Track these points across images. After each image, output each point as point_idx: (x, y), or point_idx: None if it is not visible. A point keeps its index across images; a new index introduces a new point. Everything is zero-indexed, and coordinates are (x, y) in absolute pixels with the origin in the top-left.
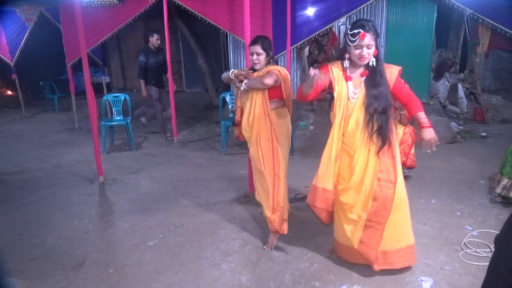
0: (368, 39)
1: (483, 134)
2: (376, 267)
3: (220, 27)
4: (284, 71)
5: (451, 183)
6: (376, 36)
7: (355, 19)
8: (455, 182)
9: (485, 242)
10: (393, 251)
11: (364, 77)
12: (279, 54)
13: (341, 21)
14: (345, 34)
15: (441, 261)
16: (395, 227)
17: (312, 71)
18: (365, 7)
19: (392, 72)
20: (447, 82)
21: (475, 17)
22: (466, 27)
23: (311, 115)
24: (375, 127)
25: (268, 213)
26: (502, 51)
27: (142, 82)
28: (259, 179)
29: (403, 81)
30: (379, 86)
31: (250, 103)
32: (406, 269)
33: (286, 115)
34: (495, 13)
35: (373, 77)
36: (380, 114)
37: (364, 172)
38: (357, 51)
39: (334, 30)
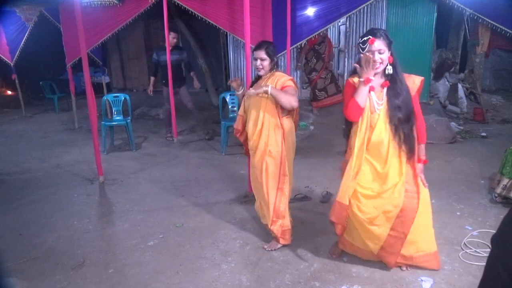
0: (378, 44)
1: (483, 134)
2: (394, 265)
3: (220, 27)
4: (289, 76)
5: (451, 183)
6: (388, 42)
7: (355, 19)
8: (455, 182)
9: (485, 242)
10: (414, 256)
11: (385, 88)
12: (279, 54)
13: (341, 21)
14: (357, 44)
15: (441, 261)
16: (421, 231)
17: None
18: (365, 7)
19: (414, 82)
20: (447, 82)
21: (475, 17)
22: (466, 27)
23: (311, 115)
24: (402, 137)
25: (268, 223)
26: (502, 51)
27: (151, 79)
28: (258, 191)
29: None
30: (400, 94)
31: (257, 111)
32: (409, 269)
33: (291, 125)
34: (495, 13)
35: (394, 86)
36: (403, 123)
37: (396, 183)
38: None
39: (329, 35)
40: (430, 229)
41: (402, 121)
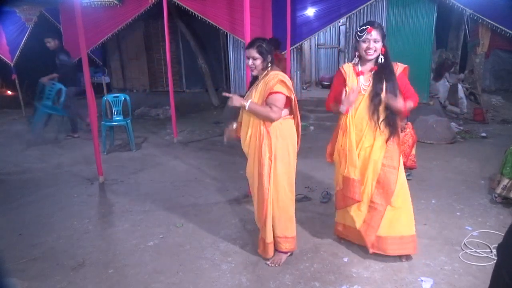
0: (375, 34)
1: (483, 134)
2: (371, 250)
3: (220, 27)
4: (286, 78)
5: (451, 183)
6: (383, 34)
7: (355, 19)
8: (455, 182)
9: (485, 242)
10: (386, 237)
11: (373, 72)
12: None
13: (341, 21)
14: (355, 34)
15: (441, 261)
16: (392, 214)
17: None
18: (365, 8)
19: (397, 69)
20: (447, 83)
21: (475, 17)
22: (466, 27)
23: (311, 115)
24: (382, 117)
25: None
26: (502, 51)
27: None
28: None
29: (408, 82)
30: (387, 80)
31: (248, 117)
32: (406, 267)
33: (290, 129)
34: (495, 13)
35: (381, 71)
36: (388, 105)
37: (369, 157)
38: (365, 45)
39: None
40: (406, 211)
41: (384, 103)
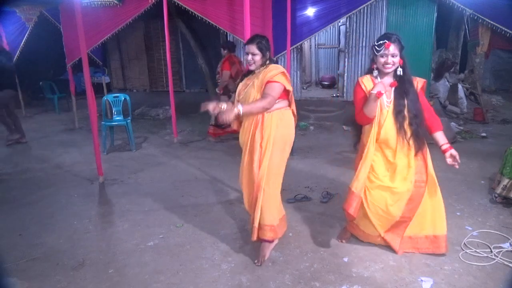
0: (393, 48)
1: (483, 134)
2: (400, 252)
3: (220, 27)
4: (281, 69)
5: (451, 183)
6: (401, 47)
7: (355, 19)
8: (455, 182)
9: (485, 242)
10: (418, 237)
11: (393, 87)
12: (279, 54)
13: (341, 21)
14: (372, 46)
15: (441, 261)
16: (432, 213)
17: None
18: (365, 8)
19: (417, 83)
20: (447, 82)
21: (475, 17)
22: (466, 27)
23: (311, 115)
24: (409, 133)
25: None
26: (502, 51)
27: None
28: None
29: (427, 101)
30: (407, 94)
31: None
32: (406, 267)
33: (290, 120)
34: (495, 13)
35: (402, 86)
36: (412, 119)
37: (406, 178)
38: (383, 59)
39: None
40: (439, 212)
41: (410, 117)
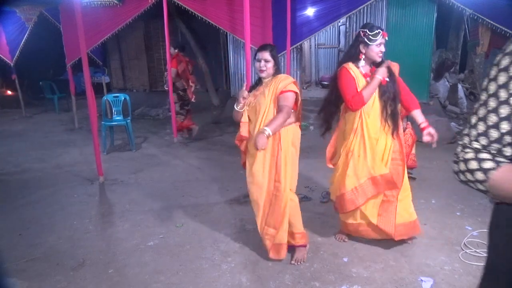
0: (386, 37)
1: None
2: (397, 238)
3: (220, 27)
4: (291, 78)
5: (451, 183)
6: None
7: (355, 19)
8: (455, 182)
9: (485, 242)
10: (406, 224)
11: (374, 72)
12: (279, 54)
13: (341, 21)
14: (362, 36)
15: (441, 261)
16: (405, 203)
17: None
18: (365, 7)
19: (393, 67)
20: (447, 83)
21: (475, 17)
22: (466, 27)
23: (311, 115)
24: (389, 112)
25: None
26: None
27: None
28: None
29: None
30: (391, 75)
31: (261, 117)
32: (406, 267)
33: (299, 135)
34: (495, 13)
35: (388, 69)
36: (391, 100)
37: (388, 154)
38: (378, 48)
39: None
40: (410, 199)
41: (390, 99)
